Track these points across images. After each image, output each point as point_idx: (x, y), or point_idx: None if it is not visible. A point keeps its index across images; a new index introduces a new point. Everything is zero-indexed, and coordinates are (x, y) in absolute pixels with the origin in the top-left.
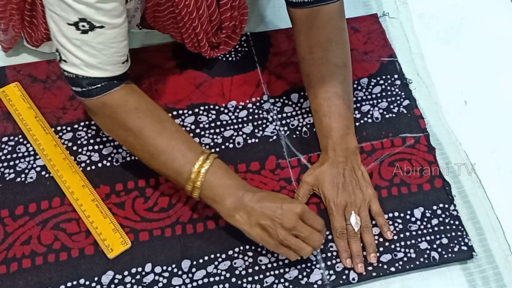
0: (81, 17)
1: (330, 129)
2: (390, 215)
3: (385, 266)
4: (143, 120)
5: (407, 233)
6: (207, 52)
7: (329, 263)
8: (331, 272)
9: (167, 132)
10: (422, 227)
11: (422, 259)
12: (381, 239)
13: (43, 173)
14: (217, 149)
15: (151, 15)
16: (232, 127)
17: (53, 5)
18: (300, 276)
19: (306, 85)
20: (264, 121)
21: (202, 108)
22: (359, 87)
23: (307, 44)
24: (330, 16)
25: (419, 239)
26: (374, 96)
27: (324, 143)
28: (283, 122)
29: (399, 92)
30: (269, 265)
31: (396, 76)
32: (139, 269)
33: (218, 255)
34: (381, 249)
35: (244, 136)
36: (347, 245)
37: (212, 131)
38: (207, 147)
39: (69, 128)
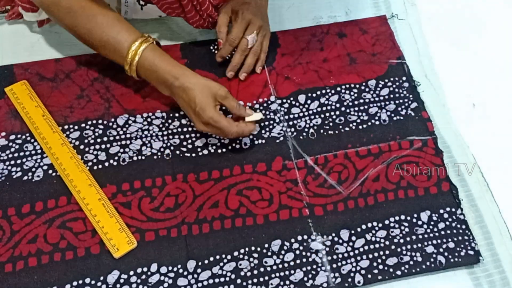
0: None
1: None
2: (397, 218)
3: (391, 270)
4: (75, 18)
5: (414, 237)
6: (208, 9)
7: (334, 265)
8: (337, 274)
9: (98, 27)
10: (428, 230)
11: (428, 263)
12: (387, 242)
13: (50, 171)
14: (224, 150)
15: None
16: None
17: None
18: (305, 279)
19: None
20: (271, 122)
21: None
22: (367, 89)
23: None
24: None
25: (426, 243)
26: (382, 98)
27: None
28: (290, 123)
29: (407, 95)
30: (274, 267)
31: (404, 78)
32: (145, 269)
33: (223, 256)
34: (387, 252)
35: (251, 136)
36: (231, 52)
37: None
38: (214, 147)
39: (76, 127)
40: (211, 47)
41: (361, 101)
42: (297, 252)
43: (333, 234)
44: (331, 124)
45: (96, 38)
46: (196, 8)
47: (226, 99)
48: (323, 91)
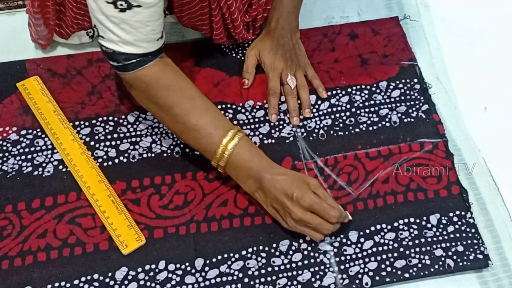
0: None
1: (280, 3)
2: (406, 220)
3: (399, 272)
4: (174, 97)
5: (423, 240)
6: (241, 33)
7: (342, 267)
8: (344, 276)
9: (196, 110)
10: (437, 234)
11: (437, 266)
12: (395, 245)
13: (60, 167)
14: None
15: (179, 2)
16: (249, 126)
17: None
18: (313, 279)
19: None
20: (281, 122)
21: (219, 107)
22: (378, 90)
23: None
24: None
25: (435, 246)
26: (392, 100)
27: (271, 15)
28: (300, 123)
29: (418, 97)
30: (282, 267)
31: (415, 80)
32: (153, 266)
33: (231, 254)
34: (395, 254)
35: (261, 136)
36: (276, 103)
37: None
38: None
39: (87, 123)
40: (222, 46)
41: (372, 102)
42: (305, 252)
43: (342, 236)
44: (341, 125)
45: (192, 121)
46: (228, 27)
47: (319, 189)
48: (334, 92)
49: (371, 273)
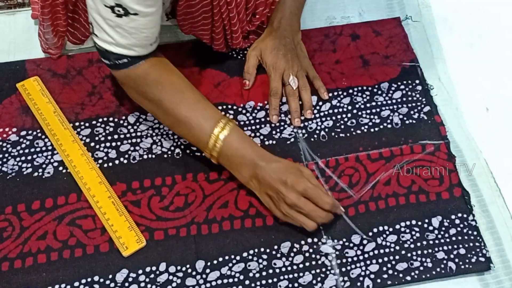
0: (117, 2)
1: (283, 5)
2: (408, 223)
3: (401, 275)
4: (163, 91)
5: (424, 242)
6: (239, 43)
7: (343, 269)
8: (346, 278)
9: (186, 102)
10: (439, 236)
11: (438, 269)
12: (397, 247)
13: (61, 168)
14: None
15: (182, 11)
16: (249, 127)
17: None
18: (314, 282)
19: None
20: (282, 123)
21: (220, 107)
22: (379, 92)
23: None
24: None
25: (436, 249)
26: (394, 101)
27: (273, 16)
28: (301, 125)
29: (420, 98)
30: (283, 269)
31: (417, 81)
32: (153, 268)
33: (232, 256)
34: (397, 257)
35: (262, 137)
36: (277, 104)
37: None
38: None
39: (87, 124)
40: None
41: (373, 103)
42: (307, 254)
43: (344, 239)
44: (342, 126)
45: (182, 113)
46: (227, 37)
47: (312, 178)
48: (335, 93)
49: (372, 276)
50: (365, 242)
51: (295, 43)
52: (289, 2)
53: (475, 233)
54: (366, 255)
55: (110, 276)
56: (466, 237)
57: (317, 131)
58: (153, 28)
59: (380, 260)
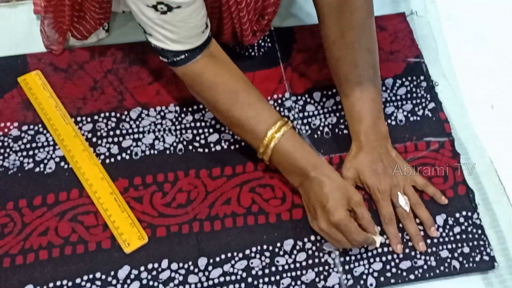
0: (158, 0)
1: (363, 113)
2: None
3: (404, 274)
4: (216, 93)
5: (428, 241)
6: (249, 40)
7: (347, 267)
8: (349, 276)
9: (239, 105)
10: (444, 234)
11: (442, 268)
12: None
13: (62, 164)
14: (237, 146)
15: None
16: None
17: None
18: (317, 279)
19: (335, 70)
20: (286, 118)
21: None
22: (384, 88)
23: (338, 28)
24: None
25: (440, 247)
26: (398, 97)
27: (356, 128)
28: (305, 121)
29: (425, 95)
30: (286, 267)
31: (422, 77)
32: (156, 265)
33: (235, 254)
34: (400, 255)
35: None
36: (397, 230)
37: None
38: (227, 143)
39: (89, 119)
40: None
41: None
42: (310, 252)
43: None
44: (346, 123)
45: (236, 116)
46: (235, 31)
47: (359, 207)
48: None
49: (376, 274)
50: None
51: (389, 152)
52: (368, 109)
53: (479, 231)
54: (369, 253)
55: (112, 273)
56: (470, 236)
57: (321, 128)
58: (199, 14)
59: (383, 258)
